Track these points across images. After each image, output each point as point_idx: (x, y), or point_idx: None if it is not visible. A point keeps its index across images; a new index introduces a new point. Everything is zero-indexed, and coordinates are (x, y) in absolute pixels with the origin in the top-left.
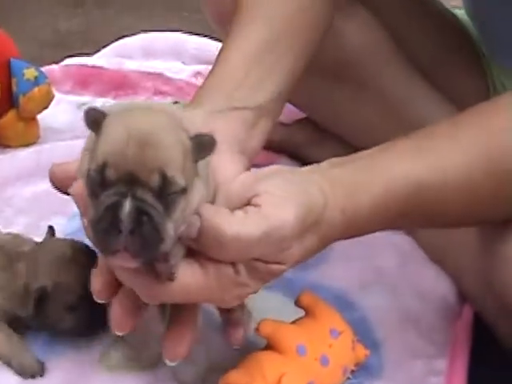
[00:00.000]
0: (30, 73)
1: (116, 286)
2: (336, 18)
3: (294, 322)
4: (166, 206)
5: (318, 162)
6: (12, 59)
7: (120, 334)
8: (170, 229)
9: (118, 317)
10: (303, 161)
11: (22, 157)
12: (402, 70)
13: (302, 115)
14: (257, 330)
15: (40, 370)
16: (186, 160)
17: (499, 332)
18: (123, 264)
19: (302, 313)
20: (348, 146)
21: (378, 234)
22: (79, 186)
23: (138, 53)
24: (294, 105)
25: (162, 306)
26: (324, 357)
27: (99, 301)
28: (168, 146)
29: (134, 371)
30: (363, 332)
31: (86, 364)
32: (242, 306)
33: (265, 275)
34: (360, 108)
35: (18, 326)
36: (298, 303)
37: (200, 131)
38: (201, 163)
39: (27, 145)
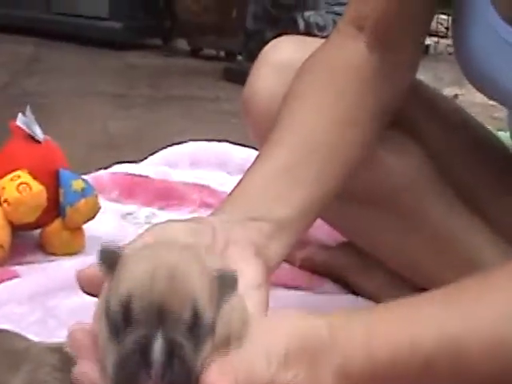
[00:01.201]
0: (77, 184)
1: None
2: (383, 151)
3: None
4: (195, 342)
5: (361, 287)
6: (61, 170)
7: None
8: (199, 367)
9: None
10: (347, 285)
11: (66, 267)
12: (446, 199)
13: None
14: None
15: None
16: (212, 295)
17: None
18: None
19: None
20: (392, 272)
21: None
22: (81, 333)
23: (184, 162)
24: (337, 230)
25: None
26: None
27: None
28: (197, 278)
29: None
30: None
31: None
32: None
33: None
34: (404, 239)
35: None
36: None
37: (222, 268)
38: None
39: (72, 253)
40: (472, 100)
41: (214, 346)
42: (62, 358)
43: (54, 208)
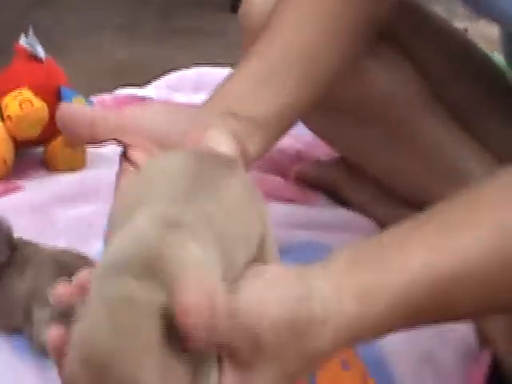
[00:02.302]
0: (78, 101)
1: None
2: (370, 63)
3: None
4: None
5: (352, 201)
6: (62, 87)
7: None
8: None
9: None
10: (340, 198)
11: (66, 181)
12: (434, 113)
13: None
14: None
15: None
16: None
17: None
18: None
19: None
20: (381, 186)
21: None
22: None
23: (188, 86)
24: (328, 145)
25: None
26: None
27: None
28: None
29: None
30: (379, 369)
31: None
32: None
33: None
34: (392, 153)
35: None
36: None
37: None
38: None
39: (74, 169)
40: (481, 34)
41: None
42: (59, 266)
43: (56, 125)
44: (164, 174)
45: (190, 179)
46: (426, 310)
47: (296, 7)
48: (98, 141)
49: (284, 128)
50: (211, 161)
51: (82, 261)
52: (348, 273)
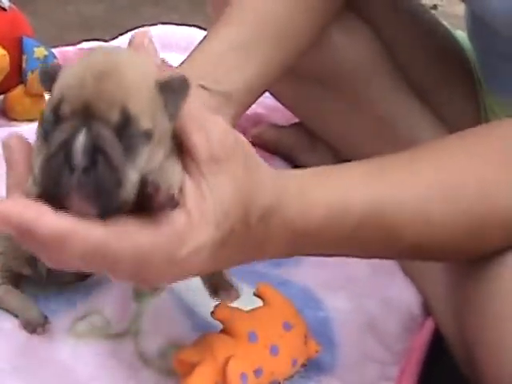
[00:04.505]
0: (39, 51)
1: None
2: (333, 30)
3: (249, 311)
4: (127, 149)
5: (308, 166)
6: (24, 37)
7: None
8: (132, 174)
9: None
10: (295, 163)
11: (24, 131)
12: (395, 86)
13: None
14: (212, 313)
15: (43, 323)
16: (152, 104)
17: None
18: (78, 209)
19: (260, 303)
20: (338, 153)
21: None
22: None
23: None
24: (288, 109)
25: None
26: (274, 346)
27: None
28: (131, 82)
29: (99, 340)
30: (322, 331)
31: (55, 330)
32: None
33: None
34: (350, 120)
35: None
36: (256, 293)
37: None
38: None
39: (33, 120)
40: (451, 12)
41: (155, 156)
42: None
43: (17, 74)
44: None
45: None
46: (364, 226)
47: None
48: None
49: (253, 98)
50: None
51: None
52: (292, 175)
